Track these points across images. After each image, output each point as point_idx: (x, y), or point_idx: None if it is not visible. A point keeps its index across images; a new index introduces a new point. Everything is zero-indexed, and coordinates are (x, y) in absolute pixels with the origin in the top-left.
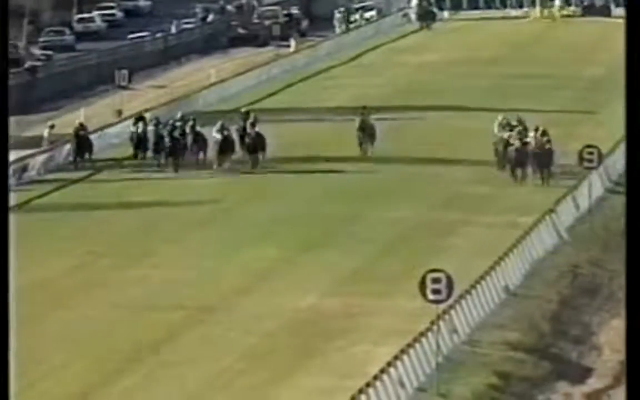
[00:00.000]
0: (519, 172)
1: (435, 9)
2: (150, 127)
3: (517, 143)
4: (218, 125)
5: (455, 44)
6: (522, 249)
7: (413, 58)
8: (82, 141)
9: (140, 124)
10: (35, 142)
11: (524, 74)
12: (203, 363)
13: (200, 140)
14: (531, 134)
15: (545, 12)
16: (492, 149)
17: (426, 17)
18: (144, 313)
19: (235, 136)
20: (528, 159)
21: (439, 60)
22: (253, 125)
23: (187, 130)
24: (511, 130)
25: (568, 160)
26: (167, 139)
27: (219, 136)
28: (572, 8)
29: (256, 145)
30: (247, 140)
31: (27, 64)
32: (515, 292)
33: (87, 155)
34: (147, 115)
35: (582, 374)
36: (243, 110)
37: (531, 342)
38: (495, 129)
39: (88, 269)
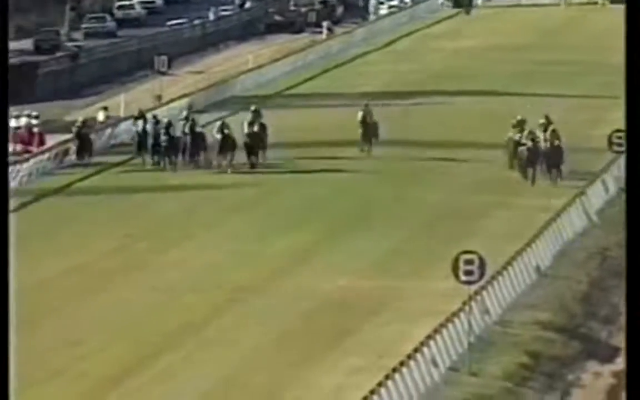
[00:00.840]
0: (530, 171)
1: None
2: (149, 126)
3: (528, 143)
4: (218, 124)
5: (488, 31)
6: (553, 231)
7: (446, 44)
8: (83, 140)
9: (140, 122)
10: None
11: (553, 60)
12: (242, 343)
13: (199, 140)
14: (541, 135)
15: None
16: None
17: (462, 2)
18: (183, 295)
19: (235, 135)
20: (539, 158)
21: (472, 46)
22: (251, 124)
23: (187, 130)
24: (522, 131)
25: (597, 143)
26: (163, 138)
27: (218, 136)
28: None
29: (254, 145)
30: (245, 140)
31: (69, 50)
32: (546, 273)
33: (87, 155)
34: (149, 115)
35: (611, 353)
36: (252, 108)
37: (561, 322)
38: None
39: (126, 251)
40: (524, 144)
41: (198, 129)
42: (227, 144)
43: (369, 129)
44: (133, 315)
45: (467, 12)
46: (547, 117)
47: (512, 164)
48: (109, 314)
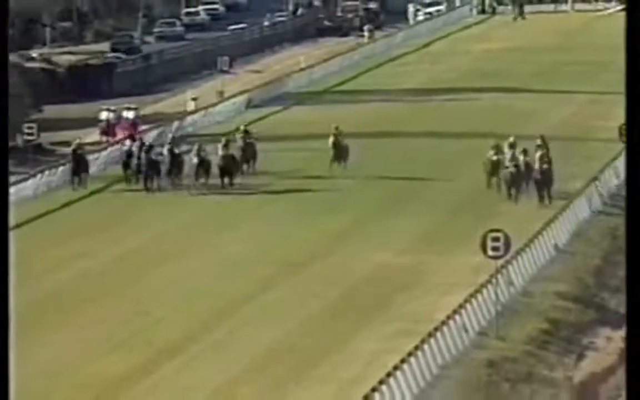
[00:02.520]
0: (513, 192)
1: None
2: (134, 148)
3: (510, 166)
4: (195, 148)
5: (512, 35)
6: (570, 212)
7: (475, 46)
8: (79, 160)
9: (127, 142)
10: (149, 119)
11: (570, 60)
12: (291, 311)
13: (177, 163)
14: (521, 157)
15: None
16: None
17: (494, 10)
18: (243, 268)
19: (210, 159)
20: (522, 180)
21: (497, 48)
22: (226, 147)
23: (165, 152)
24: (501, 154)
25: (610, 134)
26: (143, 160)
27: (195, 160)
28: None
29: (229, 166)
30: (220, 162)
31: (142, 52)
32: (563, 249)
33: (83, 174)
34: (138, 138)
35: (621, 320)
36: (242, 127)
37: (577, 293)
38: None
39: (191, 229)
40: (507, 167)
41: (176, 151)
42: (204, 167)
43: (340, 152)
44: (200, 284)
45: (522, 16)
46: (542, 138)
47: (490, 183)
48: (178, 283)
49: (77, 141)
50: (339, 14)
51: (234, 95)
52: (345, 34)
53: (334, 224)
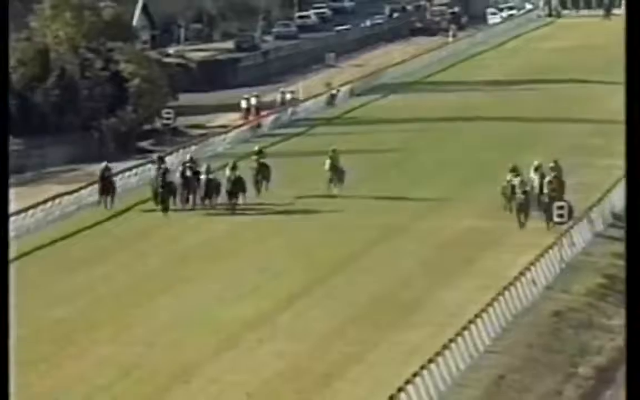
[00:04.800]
0: (522, 216)
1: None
2: (154, 171)
3: (519, 192)
4: (204, 167)
5: (573, 35)
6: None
7: (543, 44)
8: (106, 183)
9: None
10: (266, 105)
11: (620, 56)
12: (390, 267)
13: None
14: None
15: None
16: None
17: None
18: (351, 233)
19: (220, 179)
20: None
21: (562, 46)
22: (234, 169)
23: (189, 173)
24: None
25: None
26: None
27: (203, 178)
28: None
29: (236, 190)
30: (227, 185)
31: (261, 49)
32: (619, 215)
33: (110, 196)
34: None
35: None
36: (256, 148)
37: None
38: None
39: (306, 198)
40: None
41: (188, 174)
42: (212, 187)
43: (337, 173)
44: (310, 245)
45: (609, 17)
46: (555, 162)
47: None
48: (292, 242)
49: (104, 164)
50: (429, 17)
51: (340, 85)
52: (434, 34)
53: (432, 191)
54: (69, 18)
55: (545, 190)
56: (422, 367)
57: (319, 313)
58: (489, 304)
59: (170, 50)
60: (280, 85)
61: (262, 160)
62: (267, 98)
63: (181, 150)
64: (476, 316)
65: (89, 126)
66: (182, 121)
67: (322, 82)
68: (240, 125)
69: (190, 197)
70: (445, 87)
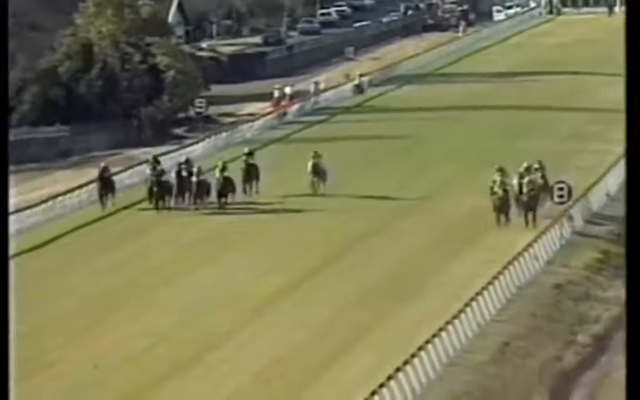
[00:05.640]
0: (502, 217)
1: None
2: (148, 171)
3: (499, 191)
4: (196, 168)
5: (573, 31)
6: (619, 167)
7: (544, 40)
8: (105, 182)
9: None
10: (299, 95)
11: (619, 50)
12: (407, 238)
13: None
14: (514, 181)
15: None
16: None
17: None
18: (368, 211)
19: (209, 180)
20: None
21: (562, 41)
22: (223, 170)
23: (185, 174)
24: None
25: None
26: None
27: (194, 180)
28: None
29: (225, 189)
30: (216, 184)
31: (286, 43)
32: (613, 197)
33: (110, 195)
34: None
35: None
36: (245, 149)
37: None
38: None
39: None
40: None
41: (184, 174)
42: (202, 188)
43: (319, 175)
44: (328, 224)
45: (611, 14)
46: (540, 163)
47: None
48: (308, 229)
49: (103, 165)
50: (440, 14)
51: (359, 76)
52: (444, 30)
53: (445, 172)
54: (110, 15)
55: (525, 190)
56: (434, 335)
57: (339, 280)
58: (495, 277)
59: (203, 45)
60: (304, 76)
61: (251, 161)
62: (294, 88)
63: (213, 137)
64: (483, 288)
65: (129, 114)
66: (213, 110)
67: (341, 73)
68: (267, 114)
69: (186, 196)
70: (454, 78)
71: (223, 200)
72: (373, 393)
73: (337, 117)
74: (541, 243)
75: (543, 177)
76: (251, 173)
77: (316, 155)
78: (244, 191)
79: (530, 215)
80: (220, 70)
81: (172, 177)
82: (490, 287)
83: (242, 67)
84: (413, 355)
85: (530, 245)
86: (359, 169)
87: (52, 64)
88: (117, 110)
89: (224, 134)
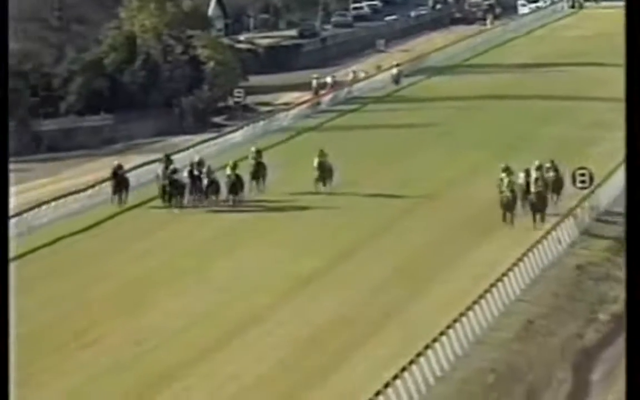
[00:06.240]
0: (508, 215)
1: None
2: (160, 170)
3: (506, 191)
4: (205, 168)
5: (594, 24)
6: None
7: (566, 32)
8: (120, 180)
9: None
10: (321, 86)
11: None
12: (437, 219)
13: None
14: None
15: None
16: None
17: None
18: (390, 198)
19: (219, 179)
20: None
21: (583, 34)
22: (233, 168)
23: (196, 173)
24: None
25: None
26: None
27: (205, 180)
28: None
29: (236, 185)
30: (227, 181)
31: (321, 36)
32: None
33: (124, 193)
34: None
35: None
36: (253, 148)
37: None
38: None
39: (361, 164)
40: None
41: (195, 173)
42: (213, 187)
43: (325, 172)
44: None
45: None
46: (552, 161)
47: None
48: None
49: (116, 163)
50: (467, 8)
51: (390, 68)
52: (471, 23)
53: (475, 157)
54: (153, 9)
55: (533, 189)
56: (461, 314)
57: (373, 257)
58: (519, 259)
59: (241, 37)
60: (337, 67)
61: (259, 160)
62: (322, 79)
63: (251, 125)
64: (508, 269)
65: (170, 103)
66: (251, 99)
67: (373, 65)
68: (302, 103)
69: (197, 195)
70: (481, 69)
71: (233, 197)
72: (403, 369)
73: (368, 107)
74: (564, 227)
75: (556, 171)
76: (259, 171)
77: (322, 154)
78: (257, 188)
79: (538, 216)
80: (258, 61)
81: (184, 175)
82: (515, 268)
83: (278, 59)
84: (442, 333)
85: (552, 229)
86: (391, 155)
87: (98, 56)
88: (159, 99)
89: (261, 122)
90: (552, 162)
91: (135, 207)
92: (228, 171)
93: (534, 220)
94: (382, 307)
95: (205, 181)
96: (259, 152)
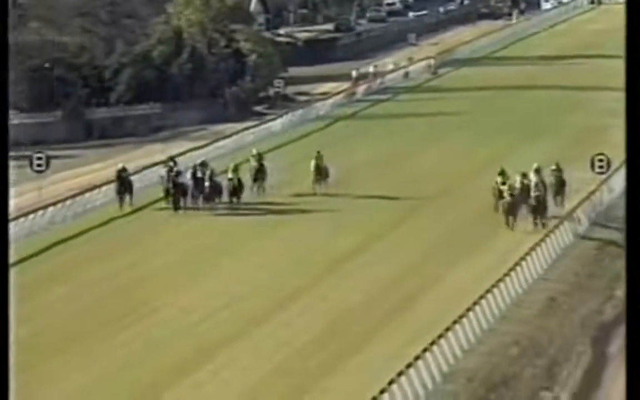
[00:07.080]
0: (510, 219)
1: None
2: (164, 172)
3: (507, 195)
4: (209, 171)
5: (613, 19)
6: None
7: (587, 27)
8: (123, 182)
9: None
10: (360, 77)
11: None
12: (467, 202)
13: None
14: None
15: None
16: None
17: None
18: (414, 184)
19: (221, 182)
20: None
21: (603, 28)
22: (235, 170)
23: (199, 174)
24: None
25: None
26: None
27: (207, 183)
28: None
29: (236, 189)
30: (229, 185)
31: (356, 30)
32: None
33: (127, 195)
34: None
35: None
36: (254, 151)
37: None
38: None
39: (382, 159)
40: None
41: (199, 175)
42: (215, 189)
43: (321, 173)
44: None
45: None
46: (557, 164)
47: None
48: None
49: (121, 165)
50: (493, 3)
51: (421, 59)
52: (497, 18)
53: (503, 141)
54: (199, 5)
55: (533, 193)
56: (487, 291)
57: (393, 247)
58: (542, 239)
59: (281, 31)
60: (371, 60)
61: (261, 162)
62: (361, 70)
63: (290, 113)
64: (531, 249)
65: (215, 94)
66: (290, 89)
67: (404, 57)
68: (338, 93)
69: (200, 196)
70: (506, 61)
71: (235, 199)
72: (432, 343)
73: (400, 96)
74: (584, 208)
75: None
76: (259, 174)
77: (318, 156)
78: (252, 189)
79: (539, 218)
80: (297, 54)
81: (187, 178)
82: (538, 248)
83: (316, 51)
84: (468, 310)
85: (574, 210)
86: (423, 142)
87: (146, 49)
88: (204, 90)
89: (300, 111)
90: (557, 164)
91: (138, 210)
92: (230, 174)
93: (535, 223)
94: (417, 282)
95: (207, 183)
96: (260, 155)
